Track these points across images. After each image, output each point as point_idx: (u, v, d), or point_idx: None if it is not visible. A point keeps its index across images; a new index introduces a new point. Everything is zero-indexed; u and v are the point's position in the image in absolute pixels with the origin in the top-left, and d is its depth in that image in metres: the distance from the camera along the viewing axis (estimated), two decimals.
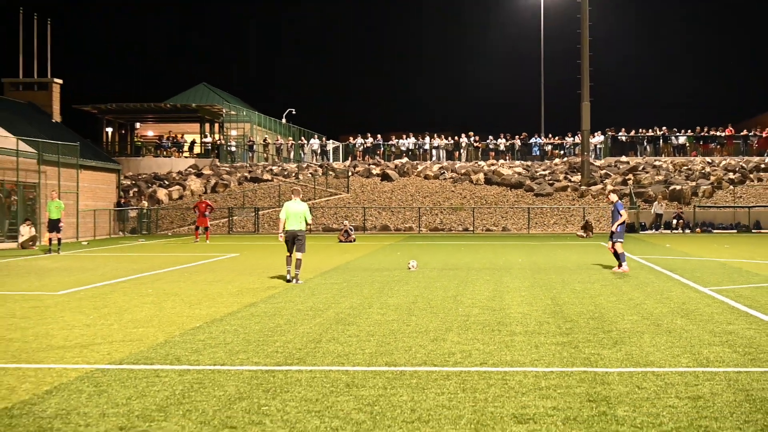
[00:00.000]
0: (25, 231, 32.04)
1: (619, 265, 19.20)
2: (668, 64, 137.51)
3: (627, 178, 48.97)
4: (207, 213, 35.72)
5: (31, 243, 31.54)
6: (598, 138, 54.22)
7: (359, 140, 56.78)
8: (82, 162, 39.79)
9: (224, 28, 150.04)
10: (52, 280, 18.25)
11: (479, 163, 53.54)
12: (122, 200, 45.54)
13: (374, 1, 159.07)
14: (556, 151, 55.86)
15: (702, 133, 54.16)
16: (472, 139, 55.50)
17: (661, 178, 48.78)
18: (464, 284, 16.62)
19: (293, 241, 16.92)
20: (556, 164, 53.18)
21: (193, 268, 21.26)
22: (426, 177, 51.06)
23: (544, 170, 51.65)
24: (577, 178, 49.38)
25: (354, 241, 34.51)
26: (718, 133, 54.12)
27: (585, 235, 36.74)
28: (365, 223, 44.84)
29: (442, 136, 56.55)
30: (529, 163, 53.73)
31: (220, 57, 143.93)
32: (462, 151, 55.35)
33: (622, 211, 19.51)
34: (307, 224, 17.09)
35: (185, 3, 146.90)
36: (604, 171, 50.83)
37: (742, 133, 54.28)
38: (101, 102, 54.34)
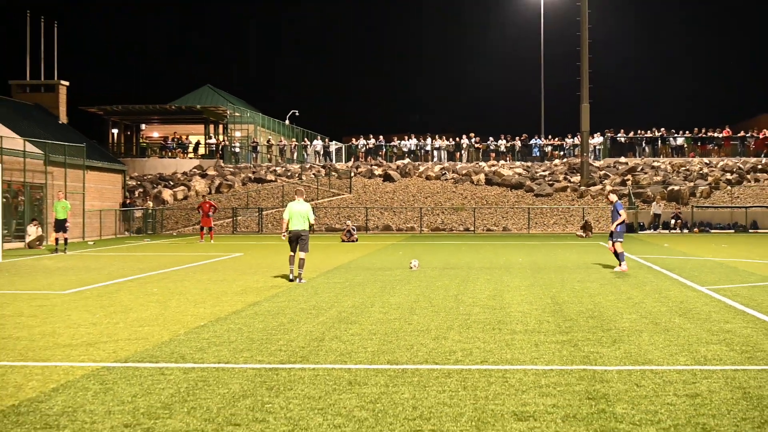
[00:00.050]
0: (32, 231, 32.07)
1: (619, 265, 19.19)
2: (668, 65, 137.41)
3: (626, 178, 48.94)
4: (210, 213, 35.71)
5: (38, 243, 31.57)
6: (597, 139, 54.20)
7: (361, 141, 56.78)
8: (88, 163, 39.84)
9: (224, 28, 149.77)
10: (59, 279, 18.26)
11: (480, 163, 53.53)
12: (128, 200, 45.56)
13: (374, 1, 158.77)
14: (556, 152, 55.84)
15: (700, 135, 54.11)
16: (473, 140, 55.50)
17: (659, 178, 48.76)
18: (465, 283, 16.61)
19: (297, 240, 16.93)
20: (555, 165, 53.16)
21: (198, 267, 21.27)
22: (427, 177, 51.06)
23: (544, 171, 51.63)
24: (576, 178, 49.36)
25: (356, 240, 34.52)
26: (715, 135, 54.08)
27: (584, 235, 36.70)
28: (367, 223, 44.84)
29: (444, 138, 56.57)
30: (529, 163, 53.74)
31: (220, 57, 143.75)
32: (463, 152, 55.36)
33: (621, 211, 19.50)
34: (310, 225, 17.09)
35: (185, 3, 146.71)
36: (603, 172, 50.80)
37: (739, 135, 54.23)
38: (105, 103, 54.37)
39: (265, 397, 7.18)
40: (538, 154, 55.21)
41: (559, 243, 32.80)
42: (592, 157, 52.67)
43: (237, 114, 61.37)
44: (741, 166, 50.05)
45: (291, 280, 16.98)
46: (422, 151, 55.78)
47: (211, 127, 58.46)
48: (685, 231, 42.64)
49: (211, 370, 8.31)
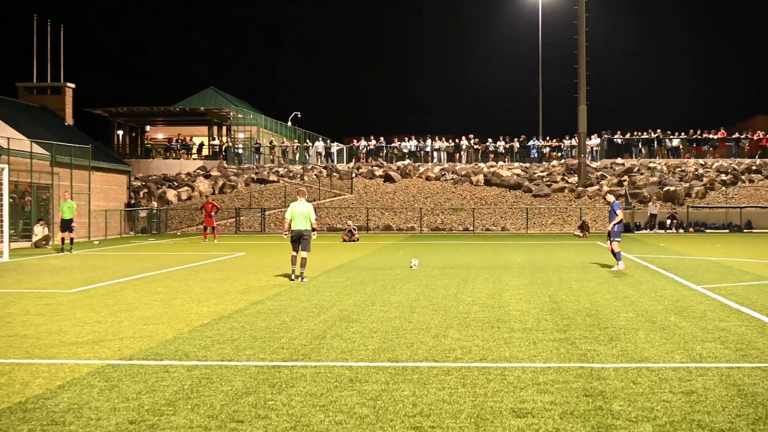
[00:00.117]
0: (39, 231, 32.08)
1: (617, 264, 19.18)
2: (668, 64, 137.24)
3: (622, 179, 48.93)
4: (213, 213, 35.72)
5: (44, 242, 31.57)
6: (594, 140, 54.17)
7: (362, 142, 56.78)
8: (93, 164, 39.85)
9: (224, 28, 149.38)
10: (65, 278, 18.26)
11: (479, 164, 53.52)
12: (132, 201, 45.56)
13: (374, 1, 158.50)
14: (554, 153, 55.80)
15: (695, 136, 54.10)
16: (472, 141, 55.50)
17: (655, 179, 48.75)
18: (464, 282, 16.61)
19: (299, 240, 16.93)
20: (553, 166, 53.15)
21: (202, 266, 21.27)
22: (427, 178, 51.05)
23: (542, 172, 51.62)
24: (574, 179, 49.34)
25: (357, 240, 34.51)
26: (710, 136, 54.08)
27: (582, 235, 36.65)
28: (368, 223, 44.83)
29: (443, 139, 56.57)
30: (527, 164, 53.74)
31: (220, 57, 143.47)
32: (462, 153, 55.34)
33: (618, 211, 19.48)
34: (313, 228, 17.05)
35: (185, 3, 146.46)
36: (600, 172, 50.79)
37: (734, 136, 54.23)
38: (107, 104, 54.46)
39: (267, 394, 7.18)
40: (536, 155, 55.20)
41: (557, 243, 32.79)
42: (590, 158, 52.64)
43: (240, 116, 61.38)
44: (736, 167, 50.05)
45: (292, 280, 16.98)
46: (422, 152, 55.77)
47: (215, 128, 58.46)
48: (681, 231, 42.63)
49: (215, 367, 8.31)
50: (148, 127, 60.29)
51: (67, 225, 27.79)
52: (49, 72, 46.80)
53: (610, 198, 20.17)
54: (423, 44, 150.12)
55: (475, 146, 55.32)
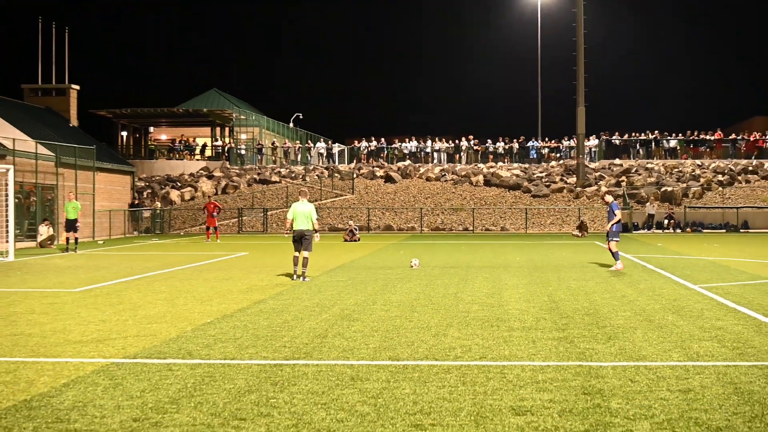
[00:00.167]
0: (44, 230, 32.09)
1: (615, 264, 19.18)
2: (667, 64, 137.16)
3: (620, 180, 48.92)
4: (215, 213, 35.73)
5: (49, 242, 31.58)
6: (592, 141, 54.17)
7: (363, 143, 56.79)
8: (98, 165, 39.85)
9: (224, 28, 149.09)
10: (69, 277, 18.27)
11: (479, 165, 53.53)
12: (136, 201, 45.57)
13: (374, 1, 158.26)
14: (553, 154, 55.82)
15: (692, 137, 54.10)
16: (471, 142, 55.50)
17: (653, 180, 48.74)
18: (464, 282, 16.61)
19: (300, 240, 16.92)
20: (552, 167, 53.14)
21: (205, 266, 21.27)
22: (428, 179, 51.05)
23: (541, 172, 51.62)
24: (572, 180, 49.33)
25: (358, 240, 34.50)
26: (707, 137, 54.06)
27: (580, 235, 36.47)
28: (369, 223, 44.83)
29: (443, 140, 56.57)
30: (526, 165, 53.74)
31: (220, 57, 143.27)
32: (462, 154, 55.35)
33: (617, 211, 19.48)
34: (316, 230, 17.00)
35: (185, 3, 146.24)
36: (598, 173, 50.78)
37: (730, 137, 54.22)
38: (109, 105, 54.69)
39: (269, 392, 7.18)
40: (535, 156, 55.22)
41: (556, 242, 32.78)
42: (588, 159, 52.65)
43: (242, 117, 61.40)
44: (732, 167, 50.03)
45: (294, 279, 16.97)
46: (422, 153, 55.80)
47: (218, 129, 58.48)
48: (678, 231, 42.61)
49: (218, 365, 8.31)
50: (151, 129, 60.31)
51: (71, 225, 27.81)
52: (54, 74, 46.82)
53: (609, 198, 20.16)
54: (423, 44, 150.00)
55: (475, 147, 55.33)
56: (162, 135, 62.82)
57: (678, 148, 53.90)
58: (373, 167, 53.51)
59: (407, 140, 57.14)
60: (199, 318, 11.63)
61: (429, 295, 14.17)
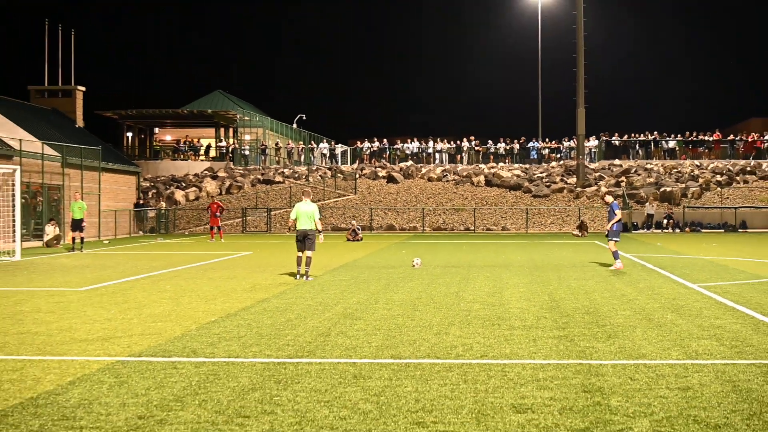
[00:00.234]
0: (50, 230, 32.11)
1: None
2: (667, 66, 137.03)
3: (620, 180, 48.87)
4: (218, 213, 35.73)
5: (55, 242, 31.61)
6: (592, 142, 54.13)
7: (366, 144, 56.79)
8: (103, 165, 39.89)
9: (224, 28, 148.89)
10: (75, 276, 18.28)
11: (480, 166, 53.49)
12: (141, 201, 45.60)
13: (374, 1, 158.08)
14: (553, 155, 55.77)
15: (691, 138, 54.04)
16: (473, 143, 55.49)
17: (652, 180, 48.69)
18: (466, 281, 16.60)
19: (304, 240, 16.91)
20: (552, 167, 53.10)
21: (209, 265, 21.28)
22: (429, 179, 51.03)
23: (541, 173, 51.59)
24: (572, 180, 49.30)
25: (361, 240, 34.50)
26: (706, 138, 54.01)
27: (580, 235, 36.48)
28: (372, 223, 44.82)
29: (445, 141, 56.56)
30: (527, 166, 53.70)
31: (220, 57, 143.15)
32: (463, 154, 55.33)
33: (617, 211, 19.46)
34: (318, 228, 16.99)
35: (185, 4, 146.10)
36: (598, 173, 50.74)
37: (729, 138, 54.17)
38: (112, 106, 54.60)
39: (273, 390, 7.18)
40: (535, 156, 55.17)
41: (556, 242, 32.77)
42: (588, 159, 52.61)
43: (246, 118, 61.41)
44: (730, 168, 49.98)
45: (298, 278, 16.96)
46: (424, 153, 55.79)
47: (222, 130, 58.48)
48: (677, 231, 42.57)
49: (222, 364, 8.31)
50: (156, 129, 60.30)
51: (77, 225, 27.83)
52: (60, 75, 46.87)
53: (609, 198, 20.14)
54: (423, 44, 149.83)
55: (476, 148, 55.32)
56: (167, 136, 62.82)
57: (677, 148, 53.85)
58: (376, 168, 53.50)
59: (409, 141, 57.14)
60: (203, 317, 11.63)
61: (431, 294, 14.17)
